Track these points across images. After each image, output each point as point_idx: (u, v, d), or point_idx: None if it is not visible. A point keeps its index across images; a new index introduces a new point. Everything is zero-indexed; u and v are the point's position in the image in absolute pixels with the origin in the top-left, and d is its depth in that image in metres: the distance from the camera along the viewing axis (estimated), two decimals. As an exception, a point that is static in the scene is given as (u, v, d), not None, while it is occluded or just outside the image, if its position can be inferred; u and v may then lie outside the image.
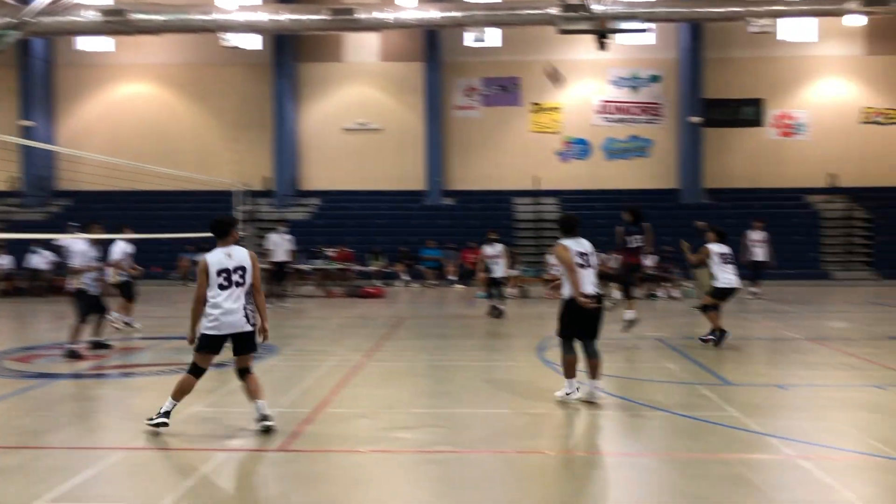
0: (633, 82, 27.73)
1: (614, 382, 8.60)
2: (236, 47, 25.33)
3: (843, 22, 25.29)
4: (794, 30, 26.40)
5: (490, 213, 26.57)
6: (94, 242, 11.09)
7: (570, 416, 7.31)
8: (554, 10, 22.85)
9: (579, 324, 7.56)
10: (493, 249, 15.28)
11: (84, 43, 28.06)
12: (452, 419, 7.14)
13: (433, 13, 24.54)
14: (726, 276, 11.32)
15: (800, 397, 8.12)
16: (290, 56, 27.45)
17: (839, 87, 27.68)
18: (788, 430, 6.69)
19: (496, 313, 14.87)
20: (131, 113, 28.24)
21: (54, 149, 25.47)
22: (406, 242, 24.72)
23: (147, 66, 28.33)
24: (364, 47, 27.90)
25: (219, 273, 6.42)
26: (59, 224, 24.33)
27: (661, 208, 26.67)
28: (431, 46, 27.13)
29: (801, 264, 24.00)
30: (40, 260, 20.64)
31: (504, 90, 27.88)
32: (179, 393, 6.52)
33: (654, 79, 27.71)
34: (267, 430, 6.39)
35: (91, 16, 24.12)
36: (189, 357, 6.65)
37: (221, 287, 6.40)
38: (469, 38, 26.43)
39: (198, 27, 24.58)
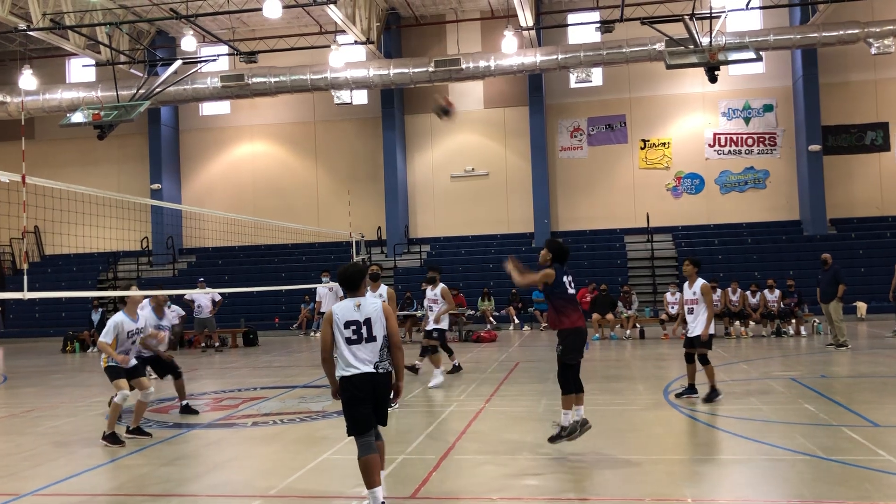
0: (746, 113, 26.93)
1: (748, 425, 8.17)
2: (346, 103, 26.33)
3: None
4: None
5: (601, 252, 26.19)
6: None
7: (705, 462, 6.99)
8: (660, 46, 22.63)
9: None
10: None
11: (206, 108, 29.92)
12: (579, 465, 6.95)
13: (534, 58, 24.76)
14: None
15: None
16: (398, 109, 28.19)
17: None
18: (952, 475, 6.15)
19: None
20: (249, 171, 29.63)
21: (180, 207, 26.97)
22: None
23: (262, 126, 29.77)
24: (468, 95, 28.36)
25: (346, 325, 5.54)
26: (185, 280, 25.67)
27: (784, 241, 25.63)
28: (534, 90, 27.27)
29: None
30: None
31: (610, 129, 27.64)
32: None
33: (768, 108, 26.85)
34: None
35: (212, 82, 25.77)
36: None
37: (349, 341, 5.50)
38: (573, 80, 26.48)
39: (309, 86, 25.75)
